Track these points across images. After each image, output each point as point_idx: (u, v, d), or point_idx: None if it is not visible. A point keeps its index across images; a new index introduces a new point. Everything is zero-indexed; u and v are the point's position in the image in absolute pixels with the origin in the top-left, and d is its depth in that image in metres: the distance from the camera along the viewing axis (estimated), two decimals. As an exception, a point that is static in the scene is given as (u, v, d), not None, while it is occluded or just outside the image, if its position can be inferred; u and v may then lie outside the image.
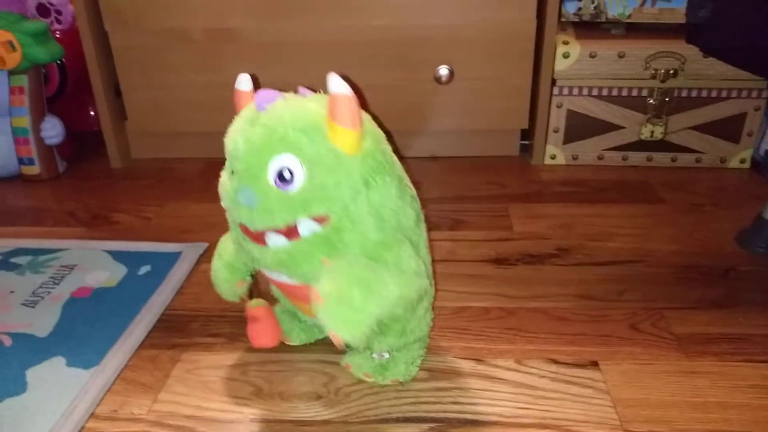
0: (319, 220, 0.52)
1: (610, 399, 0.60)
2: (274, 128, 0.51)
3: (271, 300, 0.66)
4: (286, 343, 0.68)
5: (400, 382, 0.62)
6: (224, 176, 0.55)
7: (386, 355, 0.62)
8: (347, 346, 0.52)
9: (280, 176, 0.50)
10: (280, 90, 0.55)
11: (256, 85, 0.57)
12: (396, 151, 0.59)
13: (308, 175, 0.51)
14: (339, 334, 0.50)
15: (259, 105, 0.52)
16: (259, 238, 0.53)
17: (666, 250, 0.85)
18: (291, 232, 0.52)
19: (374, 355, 0.62)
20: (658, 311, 0.72)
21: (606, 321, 0.71)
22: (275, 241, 0.52)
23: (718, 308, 0.72)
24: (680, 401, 0.59)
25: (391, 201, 0.54)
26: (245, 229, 0.53)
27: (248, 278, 0.64)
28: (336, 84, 0.49)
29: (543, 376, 0.63)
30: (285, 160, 0.50)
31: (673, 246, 0.86)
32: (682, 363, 0.64)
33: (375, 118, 0.58)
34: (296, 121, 0.51)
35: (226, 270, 0.62)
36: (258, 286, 0.67)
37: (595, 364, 0.64)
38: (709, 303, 0.74)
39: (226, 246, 0.62)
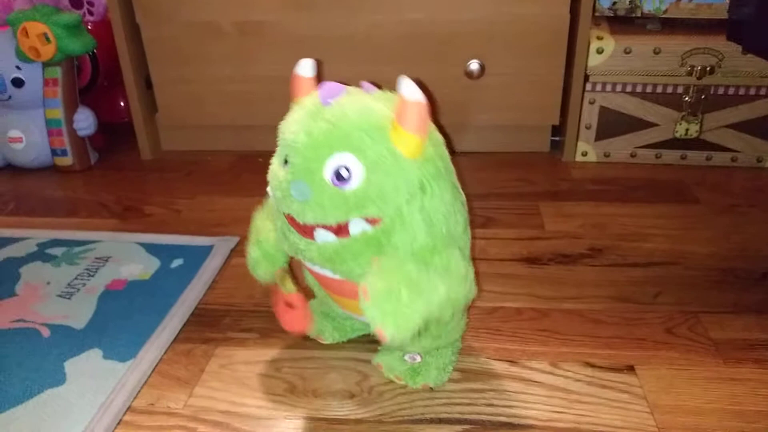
0: (372, 221, 0.51)
1: (647, 404, 0.59)
2: (337, 125, 0.50)
3: (306, 291, 0.66)
4: (319, 341, 0.68)
5: (431, 388, 0.62)
6: (275, 164, 0.54)
7: (418, 358, 0.62)
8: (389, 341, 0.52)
9: (338, 174, 0.50)
10: (344, 83, 0.54)
11: (319, 72, 0.57)
12: (449, 146, 0.58)
13: (366, 175, 0.50)
14: (385, 329, 0.49)
15: (324, 99, 0.52)
16: (307, 231, 0.52)
17: (701, 252, 0.83)
18: (341, 230, 0.52)
19: (406, 357, 0.62)
20: (694, 315, 0.71)
21: (641, 324, 0.70)
22: (323, 236, 0.52)
23: (756, 313, 0.71)
24: (719, 408, 0.58)
25: (443, 207, 0.54)
26: (292, 221, 0.53)
27: (286, 266, 0.63)
28: (409, 88, 0.49)
29: (578, 380, 0.62)
30: (345, 159, 0.50)
31: (709, 248, 0.84)
32: (721, 369, 0.63)
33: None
34: (361, 120, 0.50)
35: (266, 261, 0.62)
36: (293, 273, 0.67)
37: (631, 369, 0.63)
38: (746, 308, 0.72)
39: (265, 234, 0.61)
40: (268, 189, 0.56)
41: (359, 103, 0.52)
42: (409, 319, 0.50)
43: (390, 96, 0.55)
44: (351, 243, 0.52)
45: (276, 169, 0.54)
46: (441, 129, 0.58)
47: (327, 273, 0.56)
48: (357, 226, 0.52)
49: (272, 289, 0.65)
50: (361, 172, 0.50)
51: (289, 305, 0.64)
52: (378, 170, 0.50)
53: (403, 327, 0.49)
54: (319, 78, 0.57)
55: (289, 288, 0.64)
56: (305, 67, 0.56)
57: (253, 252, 0.62)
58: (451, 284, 0.52)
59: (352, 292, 0.56)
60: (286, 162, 0.52)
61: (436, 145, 0.55)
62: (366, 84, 0.55)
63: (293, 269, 0.66)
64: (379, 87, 0.56)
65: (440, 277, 0.52)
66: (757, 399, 0.59)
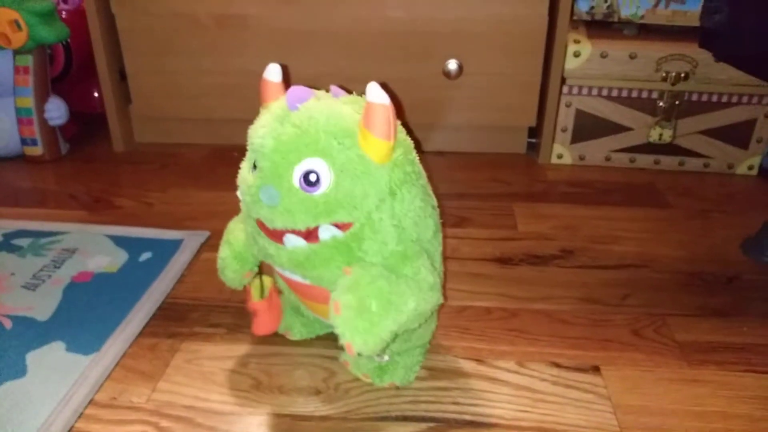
0: (341, 226, 0.51)
1: (611, 405, 0.59)
2: (305, 130, 0.50)
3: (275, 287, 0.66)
4: (287, 337, 0.68)
5: (397, 386, 0.62)
6: (245, 168, 0.54)
7: (386, 357, 0.62)
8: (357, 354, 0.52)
9: (306, 179, 0.50)
10: (311, 86, 0.54)
11: (286, 76, 0.56)
12: (419, 147, 0.58)
13: (336, 181, 0.50)
14: (354, 345, 0.49)
15: (291, 104, 0.51)
16: (276, 236, 0.52)
17: (671, 255, 0.84)
18: (310, 235, 0.51)
19: (375, 357, 0.62)
20: (661, 317, 0.72)
21: (608, 325, 0.71)
22: (293, 241, 0.52)
23: (721, 317, 0.72)
24: (681, 410, 0.59)
25: (413, 212, 0.54)
26: (262, 225, 0.53)
27: (255, 269, 0.63)
28: (374, 93, 0.49)
29: (544, 379, 0.63)
30: (313, 164, 0.49)
31: (679, 252, 0.85)
32: (684, 371, 0.64)
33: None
34: (329, 124, 0.50)
35: (236, 261, 0.61)
36: (261, 274, 0.66)
37: (596, 369, 0.64)
38: (712, 311, 0.73)
39: (236, 234, 0.61)
40: (238, 193, 0.55)
41: (327, 107, 0.52)
42: (378, 335, 0.50)
43: (358, 99, 0.54)
44: (321, 248, 0.52)
45: (245, 174, 0.54)
46: (412, 129, 0.58)
47: (297, 278, 0.56)
48: (327, 232, 0.51)
49: (246, 288, 0.65)
50: (330, 177, 0.50)
51: (254, 312, 0.64)
52: (347, 175, 0.50)
53: (371, 342, 0.50)
54: (287, 83, 0.56)
55: (255, 296, 0.64)
56: (273, 72, 0.55)
57: (222, 252, 0.62)
58: (420, 296, 0.52)
59: (322, 296, 0.56)
60: (255, 167, 0.52)
61: (406, 149, 0.55)
62: (335, 88, 0.55)
63: (263, 269, 0.66)
64: (349, 91, 0.56)
65: (410, 290, 0.52)
66: (717, 400, 0.60)
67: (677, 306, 0.74)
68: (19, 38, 1.04)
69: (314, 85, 0.56)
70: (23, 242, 0.85)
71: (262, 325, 0.65)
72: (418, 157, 0.57)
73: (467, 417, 0.58)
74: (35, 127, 1.11)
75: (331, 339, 0.68)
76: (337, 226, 0.51)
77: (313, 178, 0.50)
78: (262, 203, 0.51)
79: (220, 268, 0.63)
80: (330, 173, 0.50)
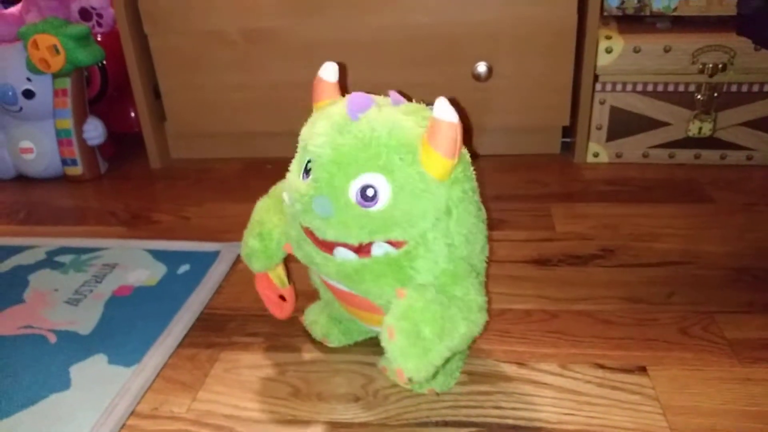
0: (395, 243, 0.50)
1: (660, 406, 0.57)
2: (367, 143, 0.49)
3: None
4: (325, 344, 0.67)
5: (437, 393, 0.61)
6: (294, 173, 0.53)
7: None
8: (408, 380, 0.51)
9: (364, 194, 0.49)
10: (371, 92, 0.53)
11: (343, 77, 0.55)
12: (470, 152, 0.57)
13: (393, 198, 0.49)
14: (406, 372, 0.48)
15: (352, 113, 0.50)
16: (326, 246, 0.52)
17: (716, 251, 0.82)
18: (362, 250, 0.51)
19: None
20: (708, 315, 0.69)
21: (654, 325, 0.68)
22: (343, 254, 0.51)
23: (773, 312, 0.69)
24: (734, 410, 0.56)
25: (466, 230, 0.53)
26: (310, 234, 0.52)
27: (281, 263, 0.64)
28: (442, 109, 0.47)
29: (588, 381, 0.61)
30: (372, 179, 0.48)
31: (724, 247, 0.82)
32: (736, 369, 0.61)
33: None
34: (391, 139, 0.49)
35: (264, 255, 0.61)
36: (286, 267, 0.67)
37: (643, 370, 0.62)
38: (762, 307, 0.70)
39: (269, 228, 0.60)
40: (285, 197, 0.55)
41: (389, 119, 0.50)
42: (430, 362, 0.49)
43: (419, 109, 0.53)
44: (372, 264, 0.51)
45: (295, 180, 0.53)
46: (469, 144, 0.56)
47: (342, 287, 0.56)
48: (380, 248, 0.51)
49: (256, 278, 0.65)
50: (388, 194, 0.49)
51: (283, 299, 0.66)
52: (406, 193, 0.49)
53: (423, 369, 0.49)
54: (343, 84, 0.56)
55: (285, 282, 0.65)
56: (329, 71, 0.55)
57: (251, 242, 0.61)
58: (470, 319, 0.51)
59: (366, 305, 0.56)
60: (307, 172, 0.51)
61: (465, 165, 0.53)
62: (394, 94, 0.54)
63: (287, 263, 0.66)
64: (409, 98, 0.55)
65: (461, 313, 0.50)
66: (774, 399, 0.57)
67: (725, 303, 0.71)
68: (57, 62, 1.07)
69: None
70: (65, 259, 0.87)
71: (287, 309, 0.68)
72: (474, 172, 0.56)
73: (510, 421, 0.57)
74: (75, 147, 1.14)
75: (368, 345, 0.67)
76: (390, 243, 0.50)
77: (370, 193, 0.49)
78: (314, 213, 0.50)
79: (247, 256, 0.62)
80: (389, 190, 0.49)
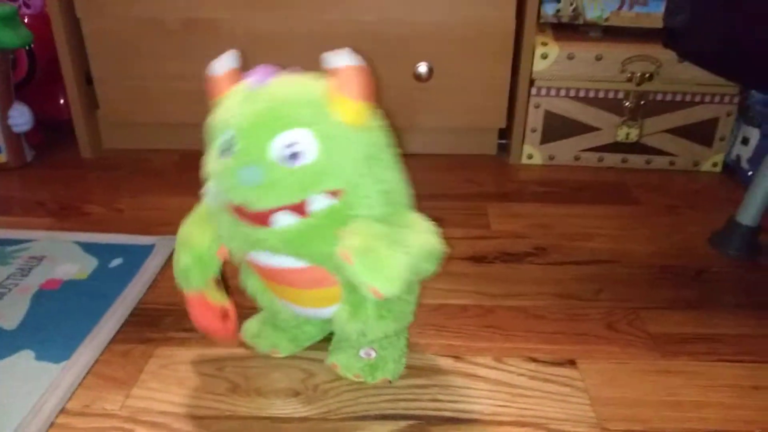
0: (333, 193, 0.51)
1: (588, 397, 0.60)
2: (280, 102, 0.49)
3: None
4: (275, 356, 0.65)
5: (389, 381, 0.62)
6: (211, 160, 0.52)
7: (373, 354, 0.61)
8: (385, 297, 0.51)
9: (288, 152, 0.49)
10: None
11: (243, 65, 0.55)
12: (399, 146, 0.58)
13: (319, 149, 0.49)
14: (378, 285, 0.48)
15: (261, 80, 0.51)
16: (262, 218, 0.50)
17: (642, 250, 0.86)
18: (301, 209, 0.50)
19: (361, 354, 0.62)
20: (633, 311, 0.73)
21: (583, 320, 0.71)
22: (283, 219, 0.50)
23: (691, 309, 0.74)
24: (656, 400, 0.60)
25: (394, 175, 0.54)
26: (242, 212, 0.51)
27: (217, 274, 0.60)
28: (345, 56, 0.49)
29: (521, 374, 0.63)
30: (294, 135, 0.49)
31: (649, 247, 0.87)
32: (658, 362, 0.65)
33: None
34: (303, 95, 0.50)
35: (198, 267, 0.58)
36: (225, 282, 0.65)
37: (572, 363, 0.65)
38: (683, 303, 0.75)
39: (197, 238, 0.58)
40: (205, 189, 0.54)
41: (297, 80, 0.52)
42: (396, 269, 0.49)
43: (320, 75, 0.54)
44: (314, 221, 0.51)
45: (215, 164, 0.52)
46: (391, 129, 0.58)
47: (287, 264, 0.54)
48: (318, 203, 0.50)
49: (192, 303, 0.60)
50: (312, 147, 0.49)
51: (226, 315, 0.61)
52: (328, 142, 0.50)
53: (394, 278, 0.49)
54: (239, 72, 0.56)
55: (222, 298, 0.61)
56: (221, 65, 0.55)
57: (183, 258, 0.58)
58: (421, 237, 0.52)
59: (313, 280, 0.55)
60: (225, 152, 0.51)
61: (378, 118, 0.55)
62: (296, 68, 0.55)
63: (227, 278, 0.65)
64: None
65: (408, 230, 0.52)
66: (691, 390, 0.61)
67: (649, 299, 0.75)
68: (-20, 43, 1.02)
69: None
70: (-12, 251, 0.83)
71: (232, 330, 0.63)
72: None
73: (447, 413, 0.58)
74: (-2, 134, 1.08)
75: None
76: (328, 194, 0.51)
77: (295, 149, 0.49)
78: (243, 186, 0.49)
79: (182, 276, 0.59)
80: (311, 143, 0.49)
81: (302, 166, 0.49)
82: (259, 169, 0.48)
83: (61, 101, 1.26)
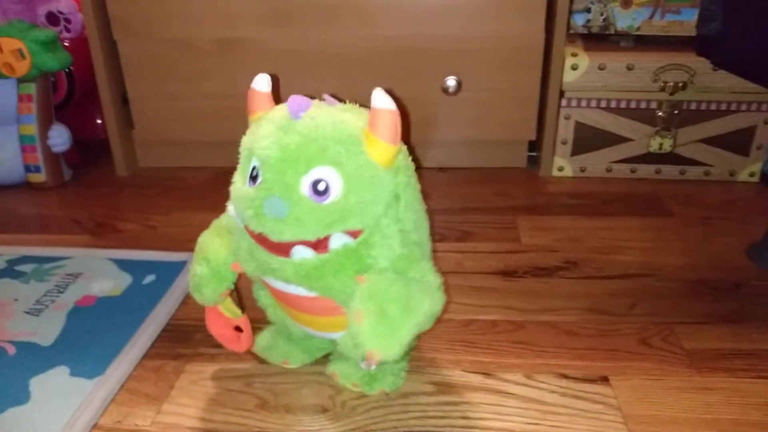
0: (353, 233, 0.51)
1: (621, 415, 0.59)
2: (313, 138, 0.50)
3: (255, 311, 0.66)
4: (286, 366, 0.66)
5: (386, 393, 0.62)
6: (239, 182, 0.53)
7: (373, 366, 0.61)
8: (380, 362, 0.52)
9: (316, 188, 0.49)
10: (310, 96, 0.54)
11: (275, 87, 0.56)
12: (415, 161, 0.59)
13: (346, 188, 0.50)
14: (379, 352, 0.49)
15: (294, 113, 0.51)
16: (281, 249, 0.51)
17: (676, 264, 0.84)
18: (320, 245, 0.51)
19: (362, 364, 0.62)
20: (668, 326, 0.71)
21: (616, 335, 0.70)
22: (301, 253, 0.51)
23: (729, 323, 0.71)
24: (693, 418, 0.58)
25: (414, 215, 0.55)
26: (263, 240, 0.52)
27: (232, 286, 0.62)
28: (381, 98, 0.49)
29: (552, 391, 0.62)
30: (323, 172, 0.49)
31: (683, 260, 0.85)
32: (694, 379, 0.63)
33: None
34: (336, 131, 0.50)
35: (215, 279, 0.60)
36: (239, 295, 0.66)
37: (605, 379, 0.63)
38: (719, 318, 0.73)
39: (214, 250, 0.59)
40: (229, 208, 0.55)
41: (330, 115, 0.52)
42: (399, 340, 0.50)
43: (355, 108, 0.55)
44: (331, 258, 0.52)
45: (241, 187, 0.53)
46: (413, 146, 0.58)
47: (299, 291, 0.55)
48: (338, 240, 0.51)
49: (208, 312, 0.64)
50: (339, 185, 0.50)
51: (239, 329, 0.64)
52: (356, 182, 0.50)
53: (393, 348, 0.50)
54: (276, 94, 0.56)
55: (237, 312, 0.64)
56: (262, 83, 0.56)
57: (199, 269, 0.60)
58: (432, 297, 0.53)
59: (324, 308, 0.56)
60: (253, 179, 0.52)
61: (405, 154, 0.56)
62: (328, 97, 0.55)
63: (240, 291, 0.66)
64: (342, 101, 0.56)
65: (421, 292, 0.52)
66: (730, 408, 0.59)
67: (684, 314, 0.73)
68: (22, 67, 1.06)
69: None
70: (27, 268, 0.85)
71: (246, 340, 0.65)
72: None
73: (476, 431, 0.57)
74: (38, 154, 1.11)
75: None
76: (348, 233, 0.51)
77: (322, 186, 0.49)
78: (266, 216, 0.50)
79: (195, 286, 0.61)
80: (340, 181, 0.50)
81: (327, 204, 0.50)
82: (284, 202, 0.49)
83: (98, 121, 1.30)
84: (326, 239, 0.51)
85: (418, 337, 0.67)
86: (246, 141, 0.54)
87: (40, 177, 1.13)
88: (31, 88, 1.09)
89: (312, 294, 0.55)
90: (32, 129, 1.10)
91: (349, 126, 0.51)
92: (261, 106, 0.55)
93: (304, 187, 0.49)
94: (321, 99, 0.56)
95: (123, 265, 0.86)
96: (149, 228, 0.99)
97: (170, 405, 0.62)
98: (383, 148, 0.51)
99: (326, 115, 0.52)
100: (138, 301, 0.77)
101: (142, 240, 0.95)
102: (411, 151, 0.58)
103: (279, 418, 0.60)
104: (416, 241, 0.55)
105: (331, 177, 0.50)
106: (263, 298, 0.64)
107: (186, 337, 0.72)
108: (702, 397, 0.61)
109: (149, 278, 0.82)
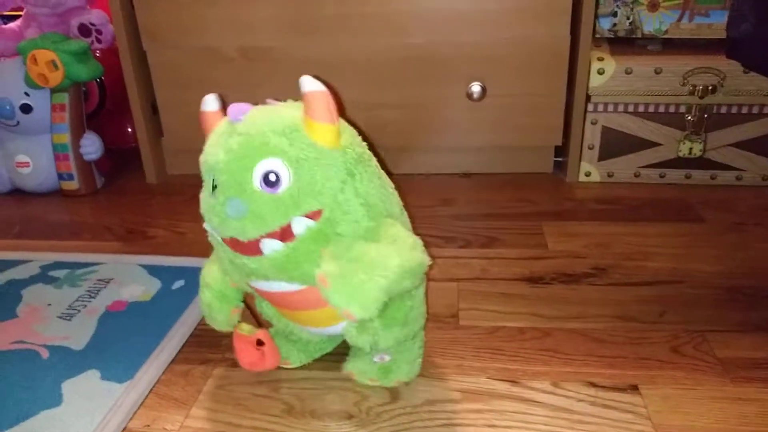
0: (312, 215, 0.52)
1: (652, 425, 0.57)
2: (253, 135, 0.52)
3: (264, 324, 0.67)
4: (285, 366, 0.67)
5: (405, 383, 0.62)
6: (205, 195, 0.55)
7: (387, 358, 0.62)
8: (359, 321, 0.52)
9: (266, 180, 0.51)
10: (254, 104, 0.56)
11: (224, 105, 0.58)
12: (384, 167, 0.60)
13: (295, 173, 0.51)
14: (351, 310, 0.50)
15: (234, 116, 0.53)
16: (252, 248, 0.52)
17: (708, 270, 0.82)
18: (285, 234, 0.52)
19: (375, 359, 0.62)
20: (700, 334, 0.70)
21: (646, 343, 0.69)
22: (271, 246, 0.52)
23: (764, 332, 0.70)
24: (727, 429, 0.57)
25: (375, 190, 0.55)
26: (235, 243, 0.53)
27: (241, 304, 0.64)
28: (309, 82, 0.51)
29: (581, 400, 0.61)
30: (269, 164, 0.51)
31: (715, 267, 0.83)
32: (728, 389, 0.62)
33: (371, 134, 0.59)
34: (273, 124, 0.52)
35: (218, 300, 0.62)
36: (252, 310, 0.67)
37: (635, 388, 0.62)
38: (754, 326, 0.71)
39: (213, 275, 0.62)
40: (204, 225, 0.56)
41: (267, 112, 0.54)
42: (370, 294, 0.50)
43: (293, 103, 0.56)
44: (299, 244, 0.52)
45: (207, 199, 0.55)
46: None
47: (283, 287, 0.56)
48: (301, 226, 0.52)
49: (234, 341, 0.64)
50: (288, 173, 0.51)
51: (261, 343, 0.64)
52: (304, 165, 0.52)
53: (368, 303, 0.50)
54: (224, 111, 0.58)
55: (250, 330, 0.64)
56: (210, 102, 0.58)
57: (204, 297, 0.63)
58: (402, 253, 0.53)
59: (312, 301, 0.56)
60: (214, 188, 0.53)
61: (352, 134, 0.57)
62: (271, 101, 0.57)
63: (250, 306, 0.67)
64: (283, 101, 0.58)
65: (390, 247, 0.52)
66: (766, 419, 0.58)
67: (717, 322, 0.72)
68: (56, 77, 1.08)
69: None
70: (59, 274, 0.87)
71: (271, 355, 0.65)
72: (366, 144, 0.59)
73: (503, 439, 0.57)
74: (71, 162, 1.14)
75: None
76: (308, 216, 0.52)
77: (272, 177, 0.51)
78: (231, 219, 0.51)
79: (207, 315, 0.64)
80: (287, 168, 0.51)
81: (281, 193, 0.51)
82: (242, 201, 0.51)
83: (129, 130, 1.33)
84: (289, 226, 0.52)
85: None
86: (201, 157, 0.56)
87: (73, 185, 1.16)
88: (64, 98, 1.12)
89: (295, 287, 0.56)
90: (65, 138, 1.13)
91: (286, 117, 0.53)
92: (212, 124, 0.57)
93: (256, 182, 0.51)
94: (264, 103, 0.57)
95: (153, 270, 0.87)
96: (178, 234, 1.00)
97: (198, 409, 0.62)
98: (322, 129, 0.52)
99: (264, 113, 0.54)
100: (167, 307, 0.78)
101: (171, 246, 0.96)
102: (381, 160, 0.60)
103: (305, 423, 0.60)
104: (384, 213, 0.56)
105: (279, 167, 0.51)
106: (266, 309, 0.64)
107: (214, 342, 0.73)
108: (736, 408, 0.59)
109: (178, 284, 0.83)
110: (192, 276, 0.85)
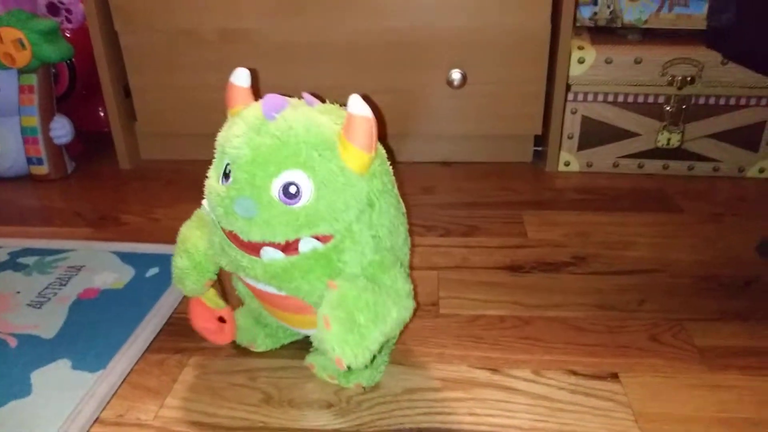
0: (322, 238, 0.51)
1: (632, 413, 0.58)
2: (285, 141, 0.49)
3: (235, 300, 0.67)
4: (251, 349, 0.66)
5: (363, 387, 0.61)
6: (213, 178, 0.53)
7: None
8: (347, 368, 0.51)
9: (286, 191, 0.49)
10: (287, 95, 0.53)
11: (255, 81, 0.56)
12: (390, 155, 0.58)
13: (317, 193, 0.49)
14: (345, 359, 0.49)
15: (268, 113, 0.50)
16: (251, 248, 0.51)
17: (686, 260, 0.83)
18: (289, 248, 0.51)
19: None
20: (678, 322, 0.70)
21: (625, 332, 0.69)
22: (270, 254, 0.51)
23: (741, 320, 0.70)
24: (705, 416, 0.57)
25: (388, 222, 0.54)
26: (234, 238, 0.51)
27: (214, 277, 0.62)
28: (357, 105, 0.48)
29: (561, 388, 0.61)
30: (294, 176, 0.49)
31: (693, 256, 0.84)
32: (706, 376, 0.62)
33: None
34: (309, 135, 0.49)
35: (196, 271, 0.60)
36: (221, 284, 0.66)
37: (615, 376, 0.62)
38: (731, 315, 0.71)
39: (194, 242, 0.59)
40: (204, 203, 0.55)
41: (306, 117, 0.51)
42: (367, 347, 0.50)
43: (333, 108, 0.54)
44: (300, 261, 0.51)
45: (214, 184, 0.52)
46: (384, 140, 0.58)
47: (270, 289, 0.55)
48: (307, 244, 0.51)
49: (192, 304, 0.64)
50: (310, 189, 0.49)
51: (222, 320, 0.64)
52: (328, 187, 0.50)
53: (361, 355, 0.50)
54: (255, 89, 0.55)
55: (220, 303, 0.63)
56: (241, 77, 0.55)
57: (180, 262, 0.60)
58: (400, 305, 0.53)
59: (295, 306, 0.56)
60: (226, 176, 0.51)
61: (382, 159, 0.55)
62: (307, 96, 0.54)
63: (222, 280, 0.65)
64: (322, 100, 0.55)
65: (391, 299, 0.52)
66: (743, 406, 0.58)
67: (695, 310, 0.72)
68: (23, 57, 1.04)
69: (318, 97, 0.55)
70: (29, 260, 0.85)
71: (228, 332, 0.65)
72: (391, 167, 0.57)
73: (484, 428, 0.56)
74: (41, 146, 1.10)
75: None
76: (317, 238, 0.51)
77: (293, 190, 0.49)
78: (236, 215, 0.50)
79: (178, 278, 0.61)
80: (311, 185, 0.49)
81: (297, 208, 0.49)
82: (254, 203, 0.49)
83: (101, 113, 1.29)
84: (296, 242, 0.50)
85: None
86: (220, 137, 0.54)
87: (42, 169, 1.12)
88: (32, 79, 1.08)
89: (282, 293, 0.55)
90: (34, 120, 1.09)
91: (324, 130, 0.50)
92: (240, 100, 0.54)
93: (275, 190, 0.49)
94: (299, 97, 0.55)
95: (126, 257, 0.85)
96: (152, 221, 0.98)
97: (174, 399, 0.61)
98: (357, 155, 0.50)
99: (301, 117, 0.50)
100: (141, 294, 0.76)
101: (145, 233, 0.94)
102: (388, 150, 0.58)
103: (283, 413, 0.59)
104: (389, 247, 0.54)
105: (303, 181, 0.49)
106: (241, 288, 0.63)
107: (189, 330, 0.70)
108: (714, 395, 0.60)
109: (152, 271, 0.81)
110: (166, 263, 0.82)
